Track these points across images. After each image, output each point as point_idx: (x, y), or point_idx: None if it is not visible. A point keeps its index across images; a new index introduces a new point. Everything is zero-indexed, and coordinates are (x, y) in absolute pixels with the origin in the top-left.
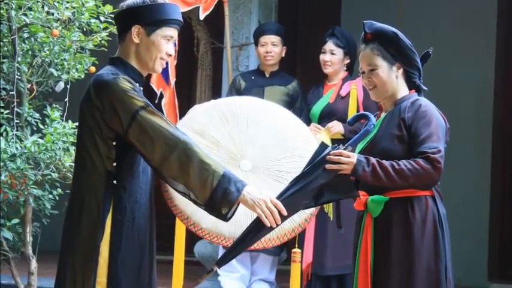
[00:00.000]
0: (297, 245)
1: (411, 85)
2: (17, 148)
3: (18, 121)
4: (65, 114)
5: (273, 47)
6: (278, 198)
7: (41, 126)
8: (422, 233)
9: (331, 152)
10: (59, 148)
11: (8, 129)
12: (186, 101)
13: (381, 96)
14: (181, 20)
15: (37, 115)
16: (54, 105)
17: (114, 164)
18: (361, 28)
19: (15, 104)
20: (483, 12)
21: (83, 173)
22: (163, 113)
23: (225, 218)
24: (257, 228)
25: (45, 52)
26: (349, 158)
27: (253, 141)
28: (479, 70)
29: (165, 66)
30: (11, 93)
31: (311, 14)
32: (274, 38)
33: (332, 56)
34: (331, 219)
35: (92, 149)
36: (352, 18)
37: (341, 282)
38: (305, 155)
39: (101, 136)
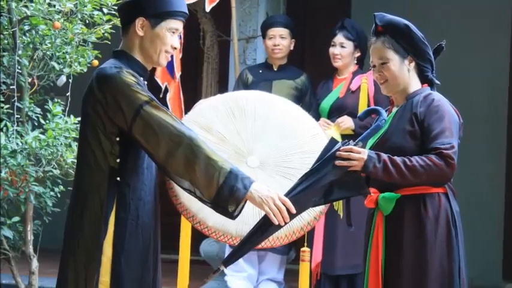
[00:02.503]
0: (306, 244)
1: (423, 79)
2: (17, 144)
3: (18, 116)
4: (67, 109)
5: (281, 40)
6: (286, 195)
7: (42, 121)
8: (435, 231)
9: (341, 148)
10: (61, 144)
11: (9, 124)
12: (191, 96)
13: (392, 91)
14: (187, 12)
15: (38, 110)
16: (56, 100)
17: (118, 161)
18: (371, 20)
19: (16, 98)
20: (496, 3)
21: (85, 170)
22: (168, 108)
23: (232, 215)
24: (265, 227)
25: (46, 45)
26: (360, 154)
27: (260, 137)
28: (493, 64)
29: (170, 59)
30: (11, 87)
31: (320, 6)
32: (283, 31)
33: (342, 49)
34: (341, 217)
35: (94, 144)
36: (363, 10)
37: (351, 282)
38: (314, 151)
39: (104, 132)
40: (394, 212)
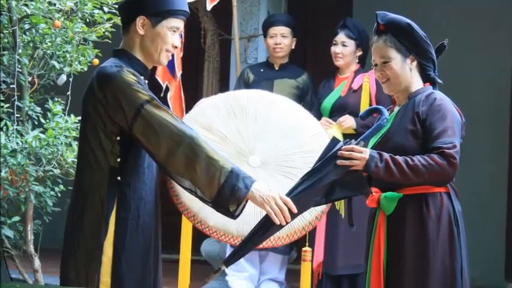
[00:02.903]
0: (307, 244)
1: (425, 78)
2: (17, 143)
3: (18, 115)
4: (67, 108)
5: (282, 39)
6: (288, 195)
7: (42, 120)
8: (437, 231)
9: (343, 148)
10: (61, 143)
11: (9, 123)
12: (192, 95)
13: (394, 90)
14: (188, 10)
15: (38, 109)
16: (56, 99)
17: (118, 160)
18: (373, 19)
19: (16, 97)
20: (495, 3)
21: (85, 169)
22: (169, 107)
23: (233, 215)
24: (266, 226)
25: (46, 44)
26: (361, 153)
27: (262, 136)
28: (493, 63)
29: (170, 58)
30: (11, 86)
31: (322, 5)
32: (284, 29)
33: (344, 48)
34: (343, 216)
35: (95, 144)
36: (364, 9)
37: (352, 282)
38: (316, 151)
39: (104, 131)
40: (396, 211)
